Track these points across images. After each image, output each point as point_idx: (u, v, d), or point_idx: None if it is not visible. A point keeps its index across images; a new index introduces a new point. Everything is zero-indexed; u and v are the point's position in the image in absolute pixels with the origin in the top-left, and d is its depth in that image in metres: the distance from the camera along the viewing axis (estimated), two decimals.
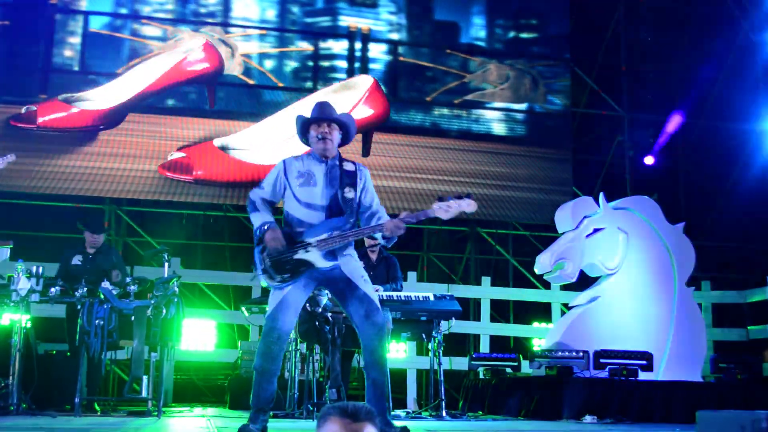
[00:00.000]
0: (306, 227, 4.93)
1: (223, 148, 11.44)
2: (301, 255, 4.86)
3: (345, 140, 5.17)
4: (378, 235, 4.99)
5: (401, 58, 12.42)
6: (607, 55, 13.56)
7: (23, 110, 10.85)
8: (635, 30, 13.71)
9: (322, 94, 12.02)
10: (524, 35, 13.00)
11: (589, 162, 13.47)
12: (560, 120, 12.72)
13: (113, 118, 11.23)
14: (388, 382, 5.03)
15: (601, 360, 8.03)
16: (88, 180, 10.84)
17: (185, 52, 11.64)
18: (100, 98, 11.27)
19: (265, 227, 4.90)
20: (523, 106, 12.61)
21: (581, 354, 8.06)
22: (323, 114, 5.06)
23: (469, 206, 4.91)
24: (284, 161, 5.10)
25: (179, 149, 11.32)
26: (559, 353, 8.18)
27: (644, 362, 8.08)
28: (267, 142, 11.59)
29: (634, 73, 13.72)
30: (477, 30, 12.77)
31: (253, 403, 4.93)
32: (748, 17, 13.23)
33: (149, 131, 11.19)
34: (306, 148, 5.24)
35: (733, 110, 13.22)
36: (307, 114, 5.16)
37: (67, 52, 11.32)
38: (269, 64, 11.97)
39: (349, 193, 4.99)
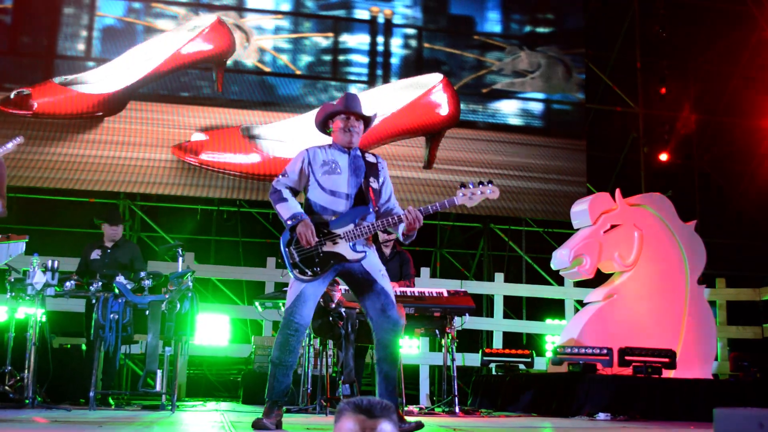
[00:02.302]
0: (330, 214, 4.93)
1: (252, 138, 11.22)
2: (330, 247, 4.84)
3: (365, 129, 5.21)
4: (400, 231, 4.96)
5: (426, 45, 12.32)
6: (621, 51, 13.51)
7: (12, 95, 10.43)
8: (650, 26, 13.63)
9: (389, 89, 11.90)
10: (540, 29, 12.93)
11: (603, 158, 13.42)
12: (576, 110, 12.67)
13: (115, 104, 10.91)
14: (400, 377, 5.07)
15: (626, 357, 7.99)
16: (97, 170, 10.75)
17: (192, 29, 11.24)
18: (101, 81, 10.93)
19: (296, 219, 4.85)
20: (540, 95, 12.56)
21: (605, 351, 8.03)
22: (355, 107, 5.09)
23: (492, 192, 4.97)
24: (308, 150, 5.10)
25: (201, 131, 11.14)
26: (583, 350, 8.12)
27: (667, 360, 8.05)
28: (305, 137, 11.29)
29: (649, 69, 13.65)
30: (492, 24, 12.74)
31: (268, 395, 4.94)
32: (765, 12, 13.13)
33: (158, 119, 11.06)
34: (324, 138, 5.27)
35: (749, 107, 13.13)
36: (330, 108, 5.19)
37: (80, 46, 11.25)
38: (286, 52, 11.86)
39: (373, 183, 5.04)
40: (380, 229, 5.00)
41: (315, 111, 5.34)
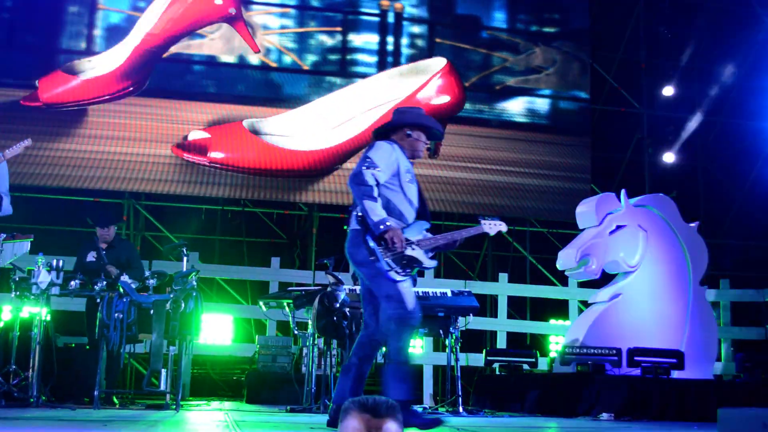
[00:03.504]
0: (404, 222, 4.97)
1: (255, 132, 11.18)
2: (410, 252, 4.89)
3: None
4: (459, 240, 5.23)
5: (437, 40, 12.24)
6: (626, 51, 13.50)
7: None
8: (655, 26, 13.62)
9: (386, 76, 11.76)
10: (546, 29, 12.90)
11: (608, 159, 13.41)
12: (581, 108, 12.65)
13: (123, 80, 10.91)
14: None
15: (635, 358, 7.99)
16: (99, 167, 10.75)
17: None
18: (104, 62, 10.93)
19: (389, 223, 4.77)
20: (548, 92, 12.53)
21: (614, 351, 8.02)
22: (442, 134, 5.32)
23: (502, 226, 5.39)
24: (393, 147, 5.02)
25: (202, 128, 11.12)
26: (592, 350, 8.11)
27: (675, 360, 8.05)
28: (311, 129, 11.24)
29: (653, 70, 13.64)
30: (498, 24, 12.72)
31: (408, 396, 4.89)
32: None
33: (160, 115, 11.06)
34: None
35: (754, 107, 13.12)
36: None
37: (82, 43, 11.26)
38: (292, 49, 11.82)
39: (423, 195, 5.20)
40: (442, 247, 5.15)
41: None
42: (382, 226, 4.74)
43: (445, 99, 11.82)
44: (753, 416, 2.73)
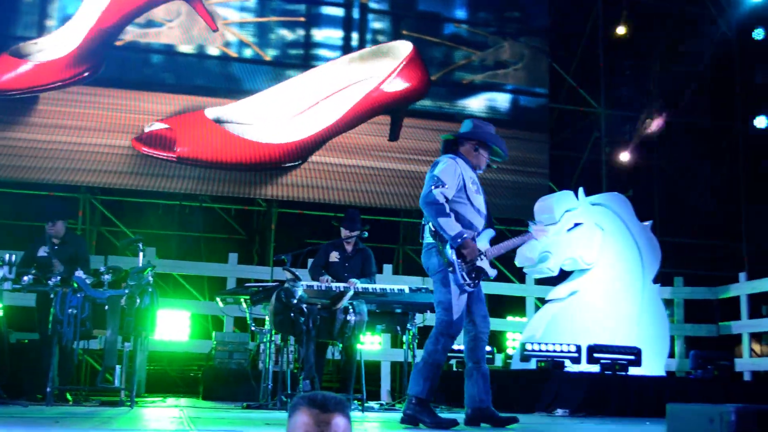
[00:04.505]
0: (474, 230, 5.30)
1: (218, 121, 10.84)
2: (479, 263, 5.25)
3: None
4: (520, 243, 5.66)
5: (404, 32, 12.11)
6: (585, 51, 13.62)
7: None
8: (613, 27, 13.77)
9: (347, 60, 11.53)
10: (507, 29, 12.90)
11: (565, 158, 13.53)
12: (539, 103, 12.73)
13: (76, 65, 10.48)
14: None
15: (595, 354, 8.10)
16: (52, 158, 10.44)
17: None
18: (54, 45, 10.48)
19: (465, 236, 5.13)
20: (510, 86, 12.53)
21: (574, 348, 8.12)
22: (507, 154, 5.57)
23: (545, 232, 5.73)
24: (456, 161, 5.35)
25: (161, 120, 10.75)
26: (552, 347, 8.20)
27: (633, 357, 8.17)
28: (273, 117, 10.94)
29: (611, 70, 13.79)
30: (457, 24, 12.70)
31: (429, 395, 5.25)
32: (726, 16, 13.34)
33: (116, 105, 10.71)
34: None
35: (708, 109, 13.32)
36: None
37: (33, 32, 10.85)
38: (253, 35, 11.62)
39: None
40: (504, 252, 5.54)
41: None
42: (459, 240, 5.11)
43: (409, 85, 11.66)
44: (700, 411, 2.79)
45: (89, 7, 10.82)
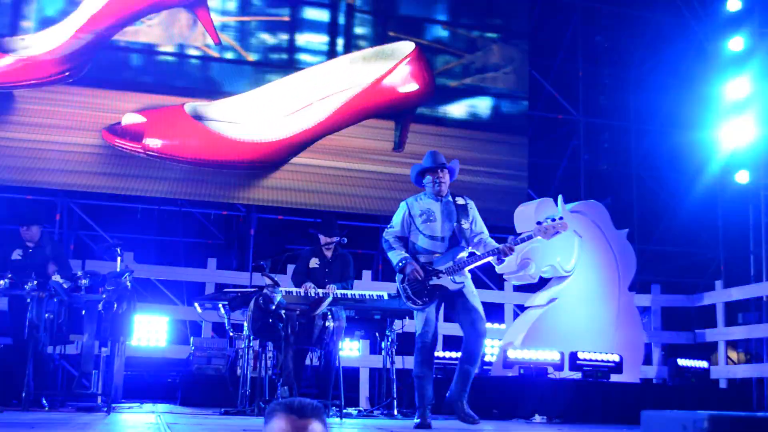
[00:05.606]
0: (431, 255, 5.98)
1: (198, 117, 10.57)
2: (435, 281, 5.90)
3: (451, 178, 6.16)
4: (493, 257, 5.97)
5: (391, 33, 11.96)
6: (564, 60, 13.70)
7: None
8: (592, 35, 13.86)
9: (348, 61, 11.38)
10: (488, 34, 12.92)
11: (544, 165, 13.59)
12: (519, 108, 12.77)
13: (60, 64, 10.23)
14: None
15: (577, 361, 8.14)
16: (26, 157, 10.27)
17: None
18: (40, 42, 10.24)
19: (404, 262, 5.93)
20: (493, 90, 12.52)
21: (557, 355, 8.16)
22: (438, 162, 6.08)
23: (563, 227, 5.98)
24: (407, 203, 6.16)
25: (138, 111, 10.45)
26: (535, 353, 8.24)
27: (614, 364, 8.24)
28: (263, 116, 10.69)
29: (590, 79, 13.88)
30: (439, 29, 12.68)
31: (419, 403, 5.94)
32: (703, 26, 13.46)
33: (92, 104, 10.51)
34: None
35: (688, 117, 13.42)
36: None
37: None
38: (236, 34, 11.44)
39: (464, 225, 6.03)
40: (474, 266, 6.01)
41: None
42: (400, 263, 5.94)
43: (413, 87, 11.49)
44: (674, 419, 2.81)
45: (83, 8, 10.62)
